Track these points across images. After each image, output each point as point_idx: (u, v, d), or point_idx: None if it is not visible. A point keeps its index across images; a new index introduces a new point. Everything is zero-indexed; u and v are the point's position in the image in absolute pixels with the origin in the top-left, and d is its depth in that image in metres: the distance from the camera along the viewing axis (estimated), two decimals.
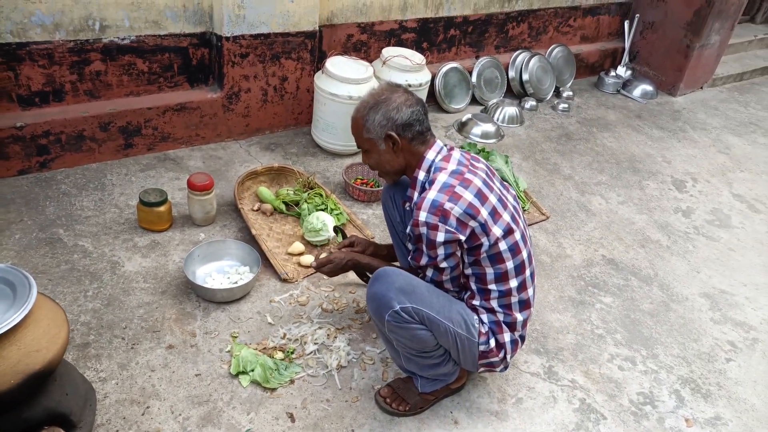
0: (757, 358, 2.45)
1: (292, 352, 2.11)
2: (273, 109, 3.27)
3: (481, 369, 1.89)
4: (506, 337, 1.82)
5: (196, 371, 1.99)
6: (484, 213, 1.66)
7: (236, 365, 2.01)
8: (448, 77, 3.96)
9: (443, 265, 1.73)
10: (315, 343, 2.16)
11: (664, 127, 4.35)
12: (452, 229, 1.64)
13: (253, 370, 2.00)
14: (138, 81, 2.86)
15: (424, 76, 3.42)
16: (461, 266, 1.78)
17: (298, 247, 2.52)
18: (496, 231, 1.68)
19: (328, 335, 2.20)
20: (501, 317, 1.80)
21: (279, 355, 2.08)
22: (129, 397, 1.88)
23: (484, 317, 1.80)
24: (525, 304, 1.82)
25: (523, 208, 3.06)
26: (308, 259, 2.48)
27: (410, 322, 1.70)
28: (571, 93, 4.54)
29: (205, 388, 1.95)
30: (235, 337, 2.13)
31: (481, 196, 1.68)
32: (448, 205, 1.64)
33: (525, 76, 4.31)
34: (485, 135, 3.76)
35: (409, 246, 1.81)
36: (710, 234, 3.22)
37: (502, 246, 1.70)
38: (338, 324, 2.25)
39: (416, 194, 1.79)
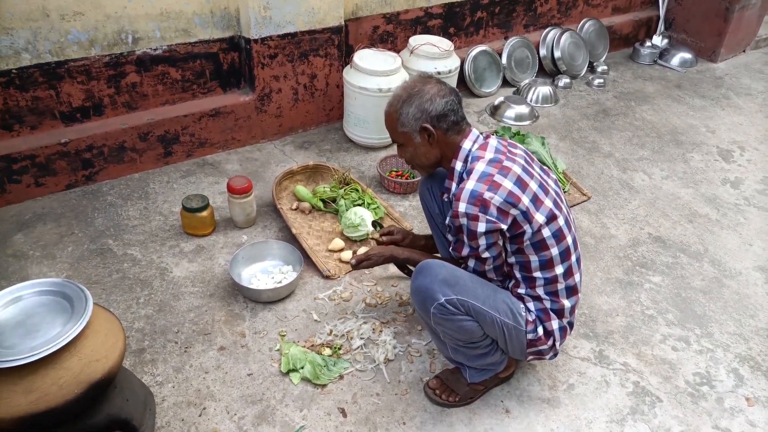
0: None
1: (339, 348, 2.13)
2: (304, 108, 3.29)
3: (530, 357, 1.87)
4: (554, 324, 1.80)
5: (248, 371, 2.04)
6: (525, 200, 1.64)
7: (286, 363, 2.04)
8: (477, 61, 3.90)
9: (485, 255, 1.71)
10: (361, 338, 2.17)
11: (705, 96, 4.19)
12: (493, 219, 1.62)
13: (302, 368, 2.03)
14: (172, 89, 2.92)
15: (453, 62, 3.38)
16: (504, 255, 1.76)
17: (338, 243, 2.54)
18: (539, 218, 1.66)
19: (373, 330, 2.21)
20: (548, 304, 1.78)
21: (327, 351, 2.11)
22: (186, 399, 1.94)
23: (531, 305, 1.78)
24: (572, 290, 1.79)
25: (563, 190, 3.00)
26: (348, 255, 2.49)
27: (456, 314, 1.70)
28: (605, 67, 4.41)
29: (258, 387, 1.99)
30: (283, 335, 2.17)
31: (521, 184, 1.65)
32: (487, 195, 1.62)
33: (557, 54, 4.21)
34: (519, 117, 3.70)
35: (449, 237, 1.80)
36: (762, 204, 3.09)
37: (546, 233, 1.68)
38: (383, 318, 2.26)
39: (454, 185, 1.77)
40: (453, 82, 3.41)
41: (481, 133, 1.80)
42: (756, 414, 2.02)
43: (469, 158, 1.73)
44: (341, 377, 2.04)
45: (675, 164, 3.38)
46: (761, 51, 5.02)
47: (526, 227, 1.65)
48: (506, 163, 1.68)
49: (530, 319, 1.77)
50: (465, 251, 1.73)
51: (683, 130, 3.74)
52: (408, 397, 2.00)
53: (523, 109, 3.71)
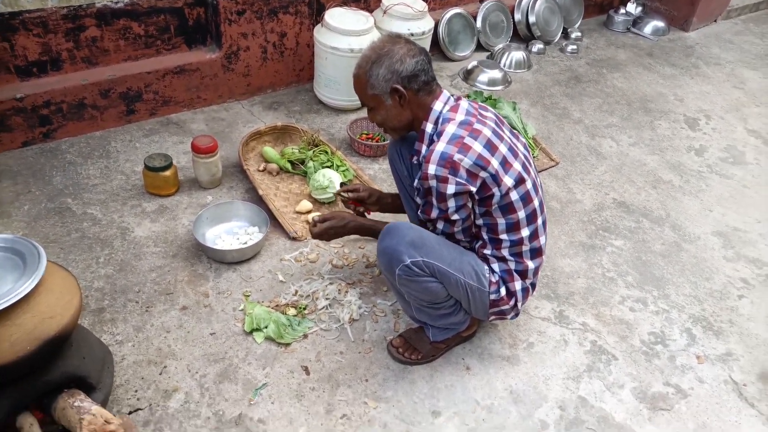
0: None
1: (304, 308, 2.14)
2: (273, 67, 3.21)
3: (492, 317, 1.90)
4: (517, 285, 1.82)
5: (211, 330, 2.03)
6: (494, 163, 1.64)
7: (250, 323, 2.04)
8: (451, 24, 3.84)
9: (454, 217, 1.72)
10: (326, 299, 2.18)
11: (676, 65, 4.22)
12: (462, 181, 1.62)
13: (266, 327, 2.03)
14: (135, 45, 2.82)
15: (427, 24, 3.32)
16: (472, 217, 1.77)
17: (306, 205, 2.53)
18: (507, 181, 1.66)
19: (339, 290, 2.22)
20: (512, 266, 1.80)
21: (291, 311, 2.12)
22: (146, 358, 1.93)
23: (495, 266, 1.80)
24: (536, 252, 1.81)
25: (532, 155, 3.01)
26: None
27: (421, 275, 1.71)
28: (579, 34, 4.40)
29: (221, 346, 1.99)
30: (248, 295, 2.16)
31: (490, 147, 1.65)
32: (457, 157, 1.61)
33: (531, 19, 4.17)
34: (492, 82, 3.68)
35: (418, 200, 1.80)
36: (724, 172, 3.16)
37: (514, 196, 1.68)
38: (349, 279, 2.27)
39: (424, 147, 1.76)
40: (426, 44, 3.36)
41: (452, 95, 1.78)
42: (705, 371, 2.10)
43: (440, 120, 1.72)
44: (305, 336, 2.05)
45: (642, 131, 3.41)
46: (732, 21, 5.05)
47: (495, 190, 1.66)
48: (477, 126, 1.67)
49: (494, 280, 1.79)
50: (434, 213, 1.73)
51: (652, 98, 3.76)
52: (371, 356, 2.02)
53: (496, 74, 3.69)
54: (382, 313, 2.17)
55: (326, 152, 2.78)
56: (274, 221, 2.43)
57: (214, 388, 1.87)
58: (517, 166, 1.69)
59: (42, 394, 1.53)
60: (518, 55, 3.91)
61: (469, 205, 1.72)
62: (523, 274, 1.82)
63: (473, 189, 1.64)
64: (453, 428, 1.83)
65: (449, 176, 1.61)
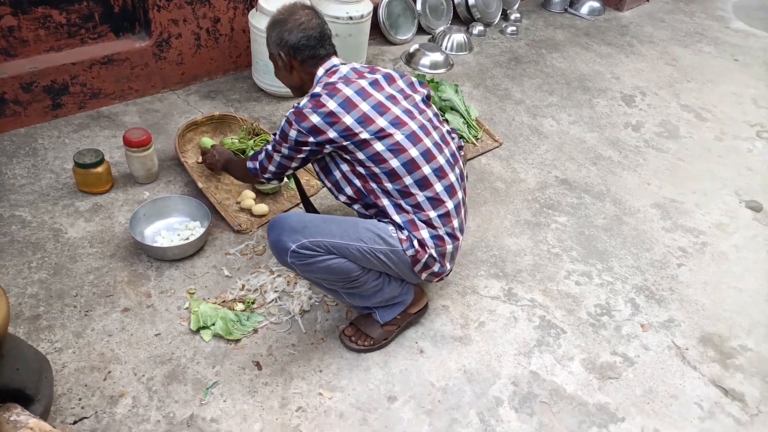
0: (707, 261, 2.54)
1: (252, 303, 2.09)
2: (208, 54, 3.10)
3: (424, 275, 1.86)
4: (424, 233, 1.78)
5: (156, 331, 1.96)
6: (347, 120, 1.72)
7: (196, 321, 1.98)
8: (391, 6, 3.81)
9: (281, 150, 1.83)
10: (275, 291, 2.13)
11: (612, 43, 4.33)
12: (304, 131, 1.74)
13: (214, 324, 1.97)
14: (57, 34, 2.66)
15: (366, 7, 3.27)
16: (292, 168, 1.89)
17: (249, 195, 2.45)
18: (364, 135, 1.72)
19: (287, 282, 2.17)
20: (413, 216, 1.78)
21: (239, 306, 2.06)
22: (88, 364, 1.84)
23: (397, 218, 1.78)
24: (435, 201, 1.78)
25: (475, 136, 3.04)
26: (261, 208, 2.42)
27: (314, 256, 1.69)
28: (518, 15, 4.44)
29: (167, 347, 1.92)
30: (192, 293, 2.09)
31: (348, 104, 1.72)
32: (307, 111, 1.73)
33: (471, 1, 4.18)
34: (434, 65, 3.67)
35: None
36: (659, 146, 3.27)
37: (379, 147, 1.73)
38: None
39: None
40: (366, 28, 3.32)
41: (343, 63, 1.88)
42: (649, 338, 2.18)
43: (316, 83, 1.85)
44: (255, 331, 2.01)
45: (582, 110, 3.49)
46: (663, 0, 5.22)
47: (348, 143, 1.73)
48: (339, 86, 1.77)
49: (403, 237, 1.76)
50: (269, 146, 1.89)
51: (590, 76, 3.85)
52: (324, 346, 1.99)
53: (438, 57, 3.68)
54: (333, 302, 2.14)
55: (268, 141, 2.70)
56: (216, 215, 2.36)
57: (163, 390, 1.80)
58: (381, 121, 1.74)
59: None
60: (459, 37, 3.91)
61: (299, 158, 1.82)
62: (427, 223, 1.78)
63: (312, 139, 1.74)
64: (410, 411, 1.83)
65: (294, 122, 1.75)
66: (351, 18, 3.13)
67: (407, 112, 1.81)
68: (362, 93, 1.76)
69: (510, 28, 4.25)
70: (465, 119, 3.07)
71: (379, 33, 3.80)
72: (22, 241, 2.19)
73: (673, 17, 4.92)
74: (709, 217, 2.80)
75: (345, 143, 1.74)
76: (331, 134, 1.73)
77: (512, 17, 4.42)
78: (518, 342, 2.09)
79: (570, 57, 4.05)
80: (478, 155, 2.96)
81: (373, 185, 1.80)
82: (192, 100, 3.03)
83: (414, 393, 1.89)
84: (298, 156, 1.83)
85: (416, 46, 3.73)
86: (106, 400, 1.76)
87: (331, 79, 1.81)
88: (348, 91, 1.75)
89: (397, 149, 1.74)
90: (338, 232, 1.72)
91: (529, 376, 1.99)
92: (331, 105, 1.72)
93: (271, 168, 1.92)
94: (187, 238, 2.22)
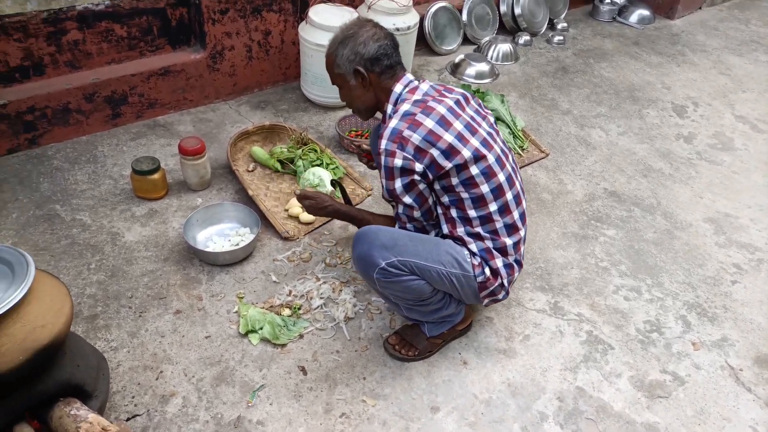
0: (763, 278, 2.45)
1: (299, 308, 2.12)
2: (259, 66, 3.19)
3: (485, 300, 1.88)
4: (499, 262, 1.80)
5: (206, 333, 2.02)
6: (447, 138, 1.66)
7: (245, 325, 2.03)
8: (437, 17, 3.83)
9: (405, 199, 1.74)
10: (321, 298, 2.17)
11: (662, 53, 4.23)
12: (409, 156, 1.65)
13: (261, 328, 2.02)
14: (118, 47, 2.79)
15: (412, 18, 3.31)
16: (432, 200, 1.79)
17: (296, 203, 2.50)
18: (465, 153, 1.68)
19: (333, 289, 2.21)
20: (489, 243, 1.79)
21: (286, 311, 2.10)
22: (142, 363, 1.91)
23: (473, 247, 1.78)
24: (512, 228, 1.80)
25: (521, 147, 3.02)
26: (307, 216, 2.46)
27: (399, 275, 1.70)
28: (565, 24, 4.40)
29: (216, 349, 1.97)
30: (242, 297, 2.15)
31: (444, 123, 1.68)
32: (406, 133, 1.66)
33: (517, 10, 4.17)
34: (480, 75, 3.67)
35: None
36: (713, 158, 3.17)
37: (474, 170, 1.70)
38: (342, 278, 2.26)
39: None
40: (412, 39, 3.35)
41: (417, 78, 1.83)
42: (701, 357, 2.11)
43: (398, 101, 1.79)
44: (301, 336, 2.04)
45: (631, 120, 3.42)
46: (716, 8, 5.08)
47: (448, 165, 1.67)
48: (431, 104, 1.72)
49: (476, 263, 1.78)
50: (385, 194, 1.77)
51: (640, 86, 3.78)
52: (368, 353, 2.01)
53: (484, 67, 3.68)
54: (378, 310, 2.16)
55: (315, 150, 2.76)
56: (265, 222, 2.41)
57: (212, 391, 1.85)
58: (474, 141, 1.71)
59: (37, 404, 1.50)
60: (505, 47, 3.90)
61: (421, 187, 1.72)
62: (502, 251, 1.80)
63: (419, 166, 1.66)
64: (452, 423, 1.83)
65: (397, 150, 1.66)
66: (398, 29, 3.17)
67: (489, 134, 1.79)
68: (453, 112, 1.72)
69: (557, 38, 4.21)
70: (511, 129, 3.06)
71: (424, 44, 3.82)
72: (83, 243, 2.29)
73: (726, 25, 4.77)
74: (766, 233, 2.69)
75: (448, 166, 1.66)
76: (434, 152, 1.65)
77: (559, 26, 4.38)
78: (564, 357, 2.06)
79: (619, 66, 3.98)
80: (524, 166, 2.94)
81: (454, 213, 1.77)
82: (243, 110, 3.12)
83: (457, 404, 1.88)
84: (419, 186, 1.72)
85: (462, 56, 3.74)
86: (158, 398, 1.82)
87: (416, 97, 1.75)
88: (441, 109, 1.69)
89: (488, 173, 1.71)
90: (424, 253, 1.72)
91: (575, 391, 1.95)
92: (429, 123, 1.66)
93: (417, 214, 1.79)
94: (237, 244, 2.28)
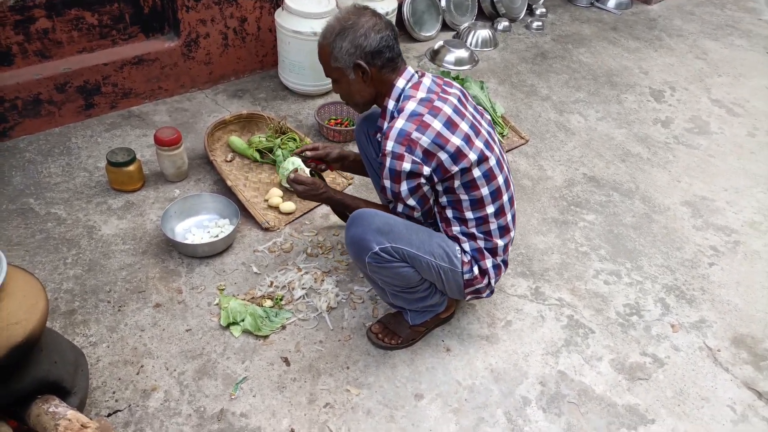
0: (739, 260, 2.49)
1: (280, 299, 2.11)
2: (235, 54, 3.13)
3: (469, 297, 1.90)
4: (488, 263, 1.82)
5: (186, 327, 1.99)
6: (455, 141, 1.62)
7: (226, 317, 2.01)
8: (416, 3, 3.80)
9: (409, 202, 1.70)
10: (303, 288, 2.16)
11: (640, 38, 4.25)
12: (418, 160, 1.61)
13: (243, 320, 2.00)
14: (89, 36, 2.72)
15: (390, 4, 3.27)
16: (434, 197, 1.76)
17: (276, 193, 2.48)
18: (471, 157, 1.65)
19: (315, 279, 2.19)
20: (482, 244, 1.80)
21: (268, 303, 2.09)
22: (122, 358, 1.88)
23: (466, 245, 1.79)
24: (504, 230, 1.81)
25: (501, 133, 3.02)
26: (288, 206, 2.44)
27: (391, 261, 1.69)
28: (544, 10, 4.39)
29: (197, 342, 1.95)
30: (222, 289, 2.12)
31: (451, 125, 1.63)
32: (415, 135, 1.60)
33: None
34: (459, 62, 3.65)
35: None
36: (690, 142, 3.21)
37: (476, 173, 1.67)
38: (324, 267, 2.25)
39: (386, 124, 1.74)
40: None
41: (417, 72, 1.76)
42: (680, 339, 2.14)
43: (402, 97, 1.70)
44: (283, 327, 2.03)
45: (609, 105, 3.44)
46: None
47: (454, 168, 1.64)
48: (437, 103, 1.65)
49: (466, 260, 1.79)
50: (389, 195, 1.72)
51: (618, 71, 3.80)
52: (351, 343, 2.01)
53: (463, 54, 3.66)
54: (360, 299, 2.15)
55: (294, 139, 2.73)
56: (244, 212, 2.39)
57: (194, 384, 1.83)
58: (479, 143, 1.68)
59: (14, 402, 1.47)
60: (484, 33, 3.89)
61: (425, 189, 1.70)
62: (493, 251, 1.82)
63: (427, 170, 1.62)
64: (436, 410, 1.84)
65: (405, 153, 1.60)
66: None
67: (489, 134, 1.76)
68: (458, 112, 1.67)
69: (535, 23, 4.21)
70: (491, 116, 3.05)
71: (403, 30, 3.79)
72: (58, 237, 2.25)
73: (703, 10, 4.81)
74: (742, 215, 2.74)
75: (454, 169, 1.63)
76: (442, 156, 1.61)
77: (538, 12, 4.37)
78: (546, 341, 2.08)
79: (597, 52, 3.99)
80: (504, 152, 2.94)
81: (450, 214, 1.76)
82: (220, 99, 3.07)
83: (441, 391, 1.89)
84: (423, 189, 1.69)
85: (441, 42, 3.71)
86: (139, 393, 1.80)
87: (421, 94, 1.68)
88: (448, 109, 1.64)
89: (489, 175, 1.69)
90: (416, 243, 1.70)
91: (556, 375, 1.97)
92: (437, 125, 1.61)
93: (417, 214, 1.76)
94: (217, 236, 2.25)
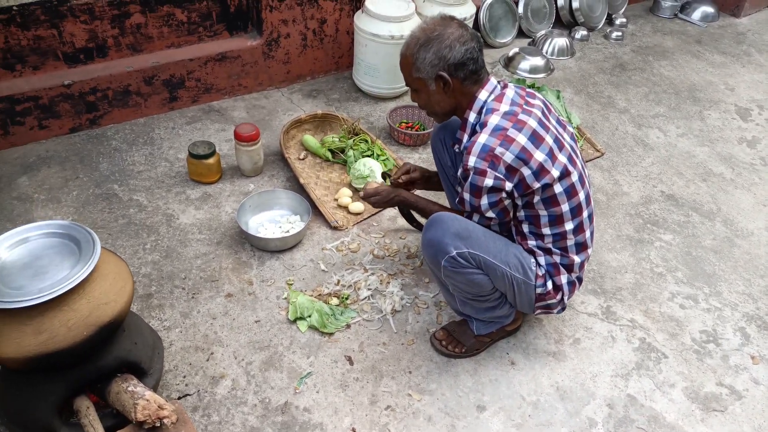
0: None
1: (346, 298, 2.13)
2: (313, 54, 3.19)
3: (538, 311, 1.87)
4: (563, 279, 1.78)
5: (256, 318, 2.04)
6: (538, 157, 1.59)
7: (294, 311, 2.05)
8: (493, 9, 3.76)
9: (488, 214, 1.69)
10: (368, 289, 2.17)
11: (726, 52, 4.05)
12: (501, 176, 1.58)
13: (310, 316, 2.04)
14: (178, 32, 2.83)
15: (469, 10, 3.26)
16: (510, 214, 1.73)
17: (346, 193, 2.51)
18: (554, 173, 1.61)
19: (380, 281, 2.20)
20: (558, 259, 1.76)
21: (334, 301, 2.11)
22: (193, 344, 1.95)
23: (542, 259, 1.76)
24: (582, 246, 1.76)
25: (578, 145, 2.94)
26: (357, 206, 2.46)
27: (467, 267, 1.68)
28: (624, 20, 4.26)
29: (265, 333, 2.00)
30: (291, 284, 2.17)
31: (536, 138, 1.60)
32: (499, 150, 1.57)
33: (575, 4, 4.06)
34: (534, 69, 3.59)
35: (458, 189, 1.77)
36: None
37: (557, 189, 1.64)
38: (390, 270, 2.25)
39: (466, 137, 1.73)
40: None
41: (499, 82, 1.73)
42: (760, 371, 2.03)
43: (484, 110, 1.68)
44: (348, 326, 2.05)
45: (691, 122, 3.30)
46: None
47: (536, 185, 1.61)
48: (521, 117, 1.62)
49: (540, 273, 1.75)
50: (467, 207, 1.71)
51: (701, 87, 3.63)
52: (414, 347, 2.00)
53: (539, 62, 3.60)
54: (425, 305, 2.15)
55: (366, 141, 2.75)
56: (315, 210, 2.42)
57: (260, 375, 1.88)
58: (562, 158, 1.64)
59: (97, 379, 1.55)
60: (561, 41, 3.80)
61: (506, 203, 1.67)
62: (569, 267, 1.78)
63: (509, 185, 1.60)
64: (499, 423, 1.81)
65: (488, 169, 1.58)
66: None
67: (572, 148, 1.72)
68: (542, 125, 1.64)
69: (615, 33, 4.08)
70: (569, 125, 2.98)
71: None
72: (139, 223, 2.35)
73: None
74: None
75: (535, 186, 1.60)
76: (525, 172, 1.59)
77: (618, 22, 4.24)
78: (615, 363, 2.01)
79: (679, 65, 3.84)
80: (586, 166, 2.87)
81: (526, 228, 1.74)
82: (295, 98, 3.14)
83: (504, 405, 1.86)
84: (504, 202, 1.67)
85: (516, 49, 3.66)
86: (208, 380, 1.86)
87: (504, 107, 1.65)
88: (532, 123, 1.61)
89: (570, 191, 1.66)
90: (494, 250, 1.69)
91: (625, 399, 1.90)
92: (521, 139, 1.58)
93: (494, 224, 1.75)
94: (288, 231, 2.30)
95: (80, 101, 2.67)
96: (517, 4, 3.89)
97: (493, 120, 1.62)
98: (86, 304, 1.44)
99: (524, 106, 1.66)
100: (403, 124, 2.96)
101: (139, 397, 1.50)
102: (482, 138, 1.60)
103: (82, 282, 1.42)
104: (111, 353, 1.56)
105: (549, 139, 1.63)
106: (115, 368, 1.58)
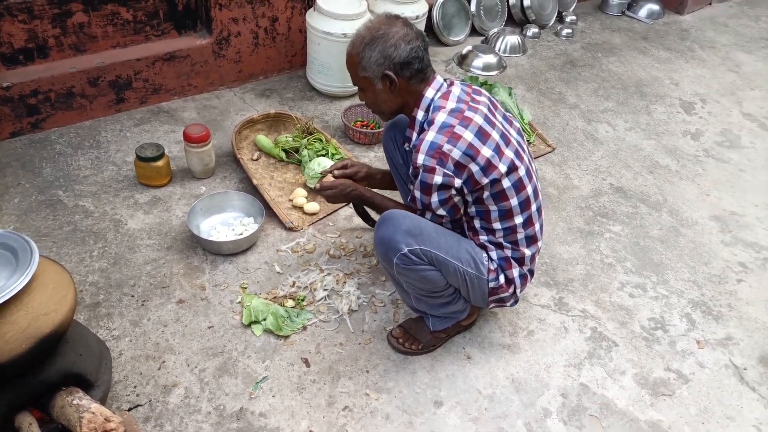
0: None
1: (302, 300, 2.11)
2: (265, 53, 3.15)
3: (492, 305, 1.89)
4: (515, 272, 1.81)
5: (209, 323, 2.01)
6: (485, 153, 1.61)
7: (248, 315, 2.02)
8: (446, 7, 3.79)
9: (439, 212, 1.70)
10: (324, 290, 2.16)
11: (671, 48, 4.19)
12: (450, 173, 1.60)
13: (265, 319, 2.01)
14: (124, 31, 2.75)
15: (421, 8, 3.27)
16: (462, 209, 1.75)
17: (301, 194, 2.49)
18: (501, 168, 1.63)
19: (337, 281, 2.19)
20: (509, 253, 1.78)
21: (290, 303, 2.09)
22: (144, 353, 1.90)
23: (493, 254, 1.78)
24: (532, 239, 1.79)
25: (528, 141, 2.99)
26: (312, 206, 2.44)
27: (419, 264, 1.69)
28: (574, 17, 4.35)
29: (219, 339, 1.96)
30: (245, 288, 2.13)
31: (482, 135, 1.62)
32: (446, 147, 1.59)
33: (526, 2, 4.12)
34: (487, 67, 3.63)
35: (410, 188, 1.77)
36: (720, 156, 3.15)
37: (506, 183, 1.66)
38: (346, 269, 2.24)
39: (415, 135, 1.74)
40: (421, 28, 3.29)
41: (445, 80, 1.75)
42: (705, 355, 2.10)
43: (431, 108, 1.69)
44: (304, 328, 2.03)
45: (639, 116, 3.39)
46: (726, 4, 5.02)
47: (485, 180, 1.63)
48: (468, 114, 1.63)
49: (492, 267, 1.77)
50: (418, 205, 1.72)
51: (648, 82, 3.74)
52: (371, 346, 2.00)
53: (491, 59, 3.64)
54: (381, 303, 2.15)
55: (321, 140, 2.73)
56: (269, 211, 2.39)
57: (214, 382, 1.84)
58: (509, 153, 1.66)
59: (39, 393, 1.49)
60: (513, 39, 3.86)
61: (456, 200, 1.69)
62: (520, 261, 1.81)
63: (458, 182, 1.62)
64: (456, 418, 1.82)
65: (437, 167, 1.59)
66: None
67: (519, 143, 1.74)
68: (488, 121, 1.65)
69: (565, 31, 4.17)
70: (518, 122, 3.03)
71: (432, 34, 3.78)
72: (85, 230, 2.28)
73: (736, 22, 4.72)
74: None
75: (484, 181, 1.62)
76: (473, 168, 1.60)
77: (568, 19, 4.33)
78: (568, 353, 2.05)
79: (627, 61, 3.94)
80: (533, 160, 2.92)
81: (477, 224, 1.75)
82: (248, 97, 3.09)
83: (460, 399, 1.88)
84: (454, 199, 1.68)
85: (469, 47, 3.70)
86: (160, 389, 1.81)
87: (451, 104, 1.66)
88: (479, 119, 1.62)
89: (518, 186, 1.68)
90: (445, 246, 1.70)
91: (578, 388, 1.95)
92: (468, 136, 1.59)
93: (445, 221, 1.76)
94: (241, 234, 2.26)
95: (20, 104, 2.56)
96: (469, 2, 3.93)
97: (440, 117, 1.63)
98: (24, 315, 1.38)
99: (470, 103, 1.68)
100: (359, 122, 2.95)
101: (84, 410, 1.45)
102: (430, 136, 1.61)
103: (19, 293, 1.36)
104: (54, 366, 1.50)
105: (495, 135, 1.65)
106: (59, 381, 1.52)
